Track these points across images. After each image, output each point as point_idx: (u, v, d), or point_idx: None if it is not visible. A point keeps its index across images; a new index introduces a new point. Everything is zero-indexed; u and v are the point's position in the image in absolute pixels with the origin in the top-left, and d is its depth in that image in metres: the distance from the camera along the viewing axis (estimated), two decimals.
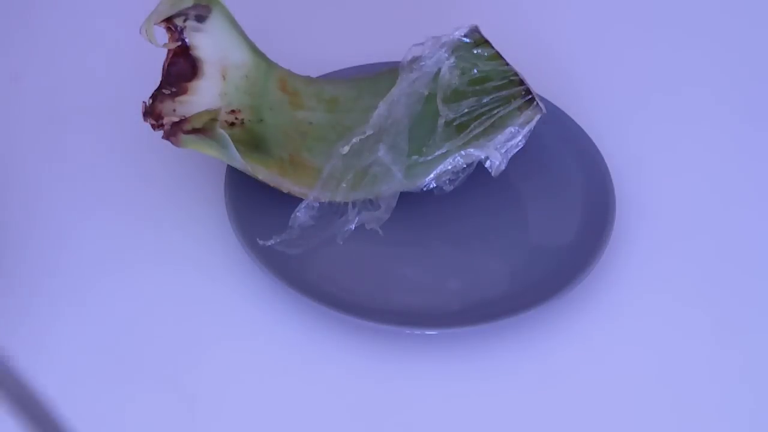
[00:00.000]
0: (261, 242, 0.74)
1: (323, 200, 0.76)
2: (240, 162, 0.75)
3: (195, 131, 0.75)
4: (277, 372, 0.72)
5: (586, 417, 0.71)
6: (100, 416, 0.69)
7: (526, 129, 0.77)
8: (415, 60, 0.78)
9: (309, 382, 0.72)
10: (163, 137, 0.76)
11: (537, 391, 0.72)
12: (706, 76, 0.92)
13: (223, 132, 0.74)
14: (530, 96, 0.77)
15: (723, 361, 0.74)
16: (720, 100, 0.90)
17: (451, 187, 0.77)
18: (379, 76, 0.83)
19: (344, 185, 0.76)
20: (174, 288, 0.76)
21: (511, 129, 0.77)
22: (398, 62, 0.79)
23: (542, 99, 0.79)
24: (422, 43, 0.79)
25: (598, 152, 0.81)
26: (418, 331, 0.73)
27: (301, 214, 0.75)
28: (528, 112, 0.77)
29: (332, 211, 0.76)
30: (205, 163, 0.81)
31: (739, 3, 0.98)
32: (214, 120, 0.76)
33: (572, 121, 0.83)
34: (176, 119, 0.76)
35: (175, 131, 0.75)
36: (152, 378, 0.71)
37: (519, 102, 0.77)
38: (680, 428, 0.71)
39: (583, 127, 0.83)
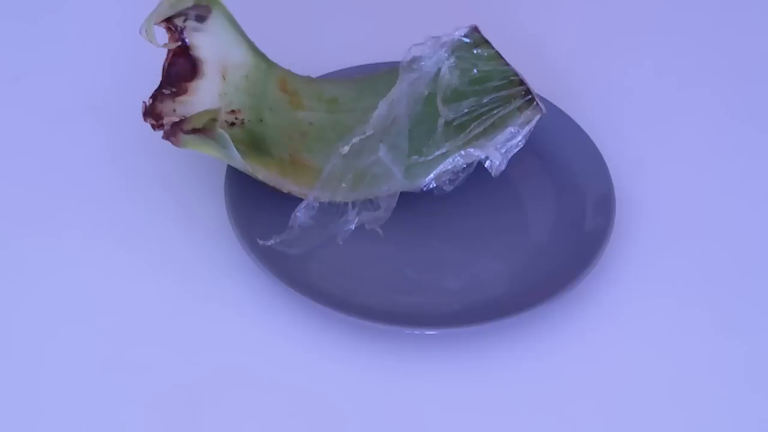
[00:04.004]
0: (261, 242, 0.74)
1: (323, 200, 0.76)
2: (240, 162, 0.75)
3: (195, 131, 0.75)
4: (277, 372, 0.72)
5: (587, 416, 0.71)
6: (100, 416, 0.69)
7: (526, 129, 0.77)
8: (415, 60, 0.78)
9: (309, 382, 0.72)
10: (163, 137, 0.76)
11: (537, 390, 0.72)
12: (705, 75, 0.92)
13: (223, 132, 0.74)
14: (530, 96, 0.77)
15: (724, 360, 0.74)
16: (720, 100, 0.90)
17: (451, 187, 0.77)
18: (379, 76, 0.83)
19: (344, 185, 0.76)
20: (174, 287, 0.76)
21: (511, 129, 0.77)
22: (398, 62, 0.79)
23: (542, 99, 0.79)
24: (422, 43, 0.79)
25: (598, 152, 0.81)
26: (418, 331, 0.73)
27: (301, 214, 0.75)
28: (528, 112, 0.77)
29: (332, 211, 0.76)
30: (205, 163, 0.81)
31: (739, 3, 0.98)
32: (214, 120, 0.76)
33: (572, 121, 0.83)
34: (176, 119, 0.76)
35: (175, 131, 0.75)
36: (152, 377, 0.71)
37: (519, 102, 0.77)
38: (681, 427, 0.71)
39: (583, 127, 0.83)
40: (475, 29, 0.79)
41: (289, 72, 0.82)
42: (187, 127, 0.75)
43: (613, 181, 0.80)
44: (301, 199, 0.76)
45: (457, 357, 0.73)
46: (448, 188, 0.77)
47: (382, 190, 0.77)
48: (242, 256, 0.75)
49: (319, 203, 0.76)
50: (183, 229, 0.79)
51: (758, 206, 0.83)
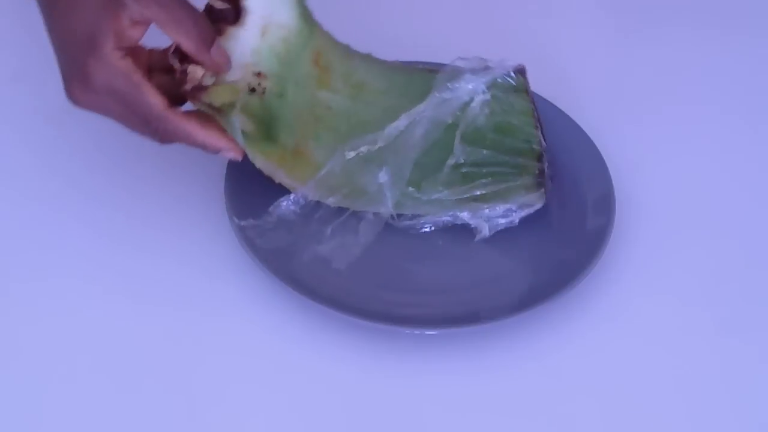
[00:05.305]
0: (237, 221, 0.74)
1: (311, 198, 0.76)
2: (241, 145, 0.74)
3: (210, 107, 0.74)
4: (276, 371, 0.72)
5: (587, 416, 0.71)
6: (99, 415, 0.69)
7: (523, 213, 0.76)
8: (455, 75, 0.77)
9: (309, 382, 0.72)
10: (182, 93, 0.74)
11: (537, 390, 0.72)
12: (705, 75, 0.93)
13: (234, 120, 0.73)
14: (541, 179, 0.76)
15: (724, 358, 0.74)
16: (719, 100, 0.91)
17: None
18: (414, 75, 0.81)
19: (336, 194, 0.76)
20: (173, 287, 0.76)
21: (509, 207, 0.76)
22: (437, 64, 0.78)
23: (542, 99, 0.79)
24: (467, 59, 0.77)
25: (598, 152, 0.82)
26: (418, 331, 0.73)
27: (284, 205, 0.75)
28: (531, 196, 0.76)
29: (314, 213, 0.76)
30: (205, 163, 0.81)
31: (738, 3, 0.98)
32: (231, 105, 0.75)
33: (572, 121, 0.83)
34: (198, 84, 0.75)
35: (194, 94, 0.74)
36: (151, 377, 0.71)
37: (528, 180, 0.76)
38: (681, 425, 0.71)
39: (583, 127, 0.83)
40: (522, 70, 0.78)
41: (328, 41, 0.80)
42: (206, 99, 0.74)
43: (613, 181, 0.80)
44: None
45: (457, 357, 0.73)
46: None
47: (369, 208, 0.77)
48: (242, 256, 0.75)
49: (306, 201, 0.76)
50: (182, 228, 0.79)
51: (758, 205, 0.83)
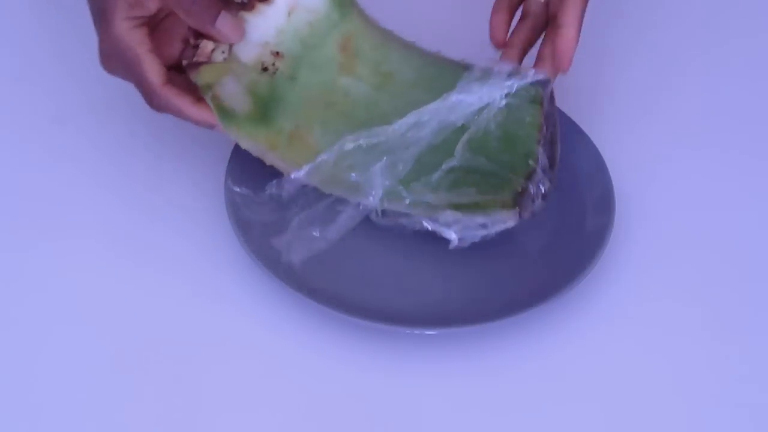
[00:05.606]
0: (230, 185, 0.75)
1: (302, 182, 0.76)
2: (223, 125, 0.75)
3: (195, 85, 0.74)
4: (276, 371, 0.72)
5: (587, 416, 0.71)
6: (99, 415, 0.69)
7: (493, 230, 0.75)
8: (483, 76, 0.76)
9: (309, 382, 0.72)
10: (184, 65, 0.75)
11: (537, 390, 0.72)
12: (705, 77, 0.93)
13: (210, 103, 0.74)
14: (521, 198, 0.74)
15: (723, 358, 0.74)
16: (719, 100, 0.91)
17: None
18: (445, 68, 0.79)
19: (326, 180, 0.76)
20: (172, 285, 0.76)
21: (482, 221, 0.74)
22: (469, 63, 0.78)
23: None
24: (498, 63, 0.77)
25: (598, 152, 0.82)
26: (417, 331, 0.73)
27: (277, 186, 0.75)
28: (504, 213, 0.74)
29: (299, 200, 0.76)
30: (205, 163, 0.81)
31: (738, 5, 0.99)
32: (208, 86, 0.75)
33: (572, 121, 0.83)
34: (197, 60, 0.75)
35: (188, 70, 0.75)
36: (150, 375, 0.71)
37: (508, 196, 0.74)
38: (680, 425, 0.71)
39: (583, 127, 0.83)
40: (545, 82, 0.77)
41: (365, 27, 0.79)
42: (195, 77, 0.74)
43: (613, 181, 0.80)
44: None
45: (457, 357, 0.73)
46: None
47: (354, 198, 0.76)
48: (242, 256, 0.75)
49: (303, 186, 0.76)
50: (182, 227, 0.79)
51: (757, 206, 0.83)
